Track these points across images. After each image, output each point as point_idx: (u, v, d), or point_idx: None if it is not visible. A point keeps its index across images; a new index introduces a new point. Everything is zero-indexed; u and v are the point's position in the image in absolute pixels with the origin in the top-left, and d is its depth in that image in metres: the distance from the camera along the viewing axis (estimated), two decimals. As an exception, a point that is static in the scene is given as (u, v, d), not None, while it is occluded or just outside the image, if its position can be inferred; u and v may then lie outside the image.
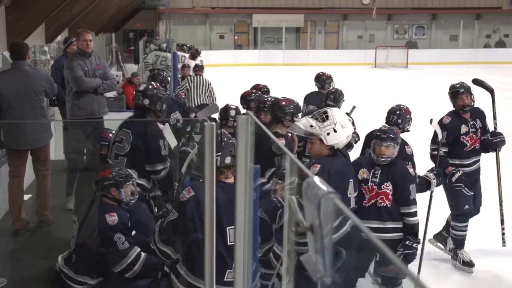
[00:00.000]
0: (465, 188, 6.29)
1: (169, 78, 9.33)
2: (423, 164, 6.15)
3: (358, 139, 6.52)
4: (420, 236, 5.21)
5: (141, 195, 5.21)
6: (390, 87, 23.24)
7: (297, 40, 40.25)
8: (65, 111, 7.64)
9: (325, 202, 1.51)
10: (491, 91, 6.62)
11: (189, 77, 11.39)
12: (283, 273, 2.28)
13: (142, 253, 4.56)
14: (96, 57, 7.45)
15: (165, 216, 4.07)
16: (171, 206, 4.99)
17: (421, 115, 7.86)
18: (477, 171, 6.43)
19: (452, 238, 6.56)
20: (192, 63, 13.71)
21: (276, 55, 34.13)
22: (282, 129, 5.43)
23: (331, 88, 7.63)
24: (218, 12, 39.23)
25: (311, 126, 4.36)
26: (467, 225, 6.45)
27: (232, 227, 2.22)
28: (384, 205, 4.94)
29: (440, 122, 6.29)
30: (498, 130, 6.45)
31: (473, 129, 6.32)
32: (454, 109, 6.40)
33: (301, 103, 5.74)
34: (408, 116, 5.81)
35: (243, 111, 6.56)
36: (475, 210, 6.54)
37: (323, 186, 1.53)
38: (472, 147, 6.33)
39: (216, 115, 6.34)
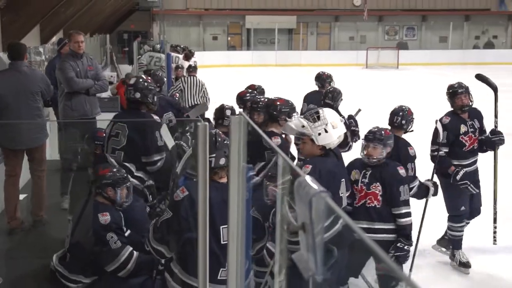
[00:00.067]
0: (471, 185, 6.27)
1: (164, 79, 9.36)
2: (420, 165, 6.14)
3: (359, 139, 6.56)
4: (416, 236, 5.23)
5: (139, 189, 5.25)
6: (381, 87, 23.31)
7: (289, 41, 40.22)
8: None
9: (316, 201, 1.53)
10: (494, 88, 6.57)
11: (182, 78, 11.38)
12: (275, 271, 2.30)
13: (135, 252, 4.56)
14: (88, 58, 7.44)
15: (159, 215, 4.10)
16: (165, 205, 5.03)
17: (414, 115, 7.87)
18: (476, 171, 6.42)
19: (449, 238, 6.55)
20: (186, 64, 13.69)
21: (269, 56, 34.17)
22: (277, 128, 5.46)
23: (329, 87, 7.68)
24: (212, 13, 39.20)
25: (303, 126, 4.38)
26: (463, 226, 6.44)
27: (226, 226, 2.25)
28: (373, 205, 4.94)
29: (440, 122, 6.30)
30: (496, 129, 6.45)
31: (472, 129, 6.32)
32: (452, 109, 6.38)
33: (296, 103, 5.77)
34: (410, 117, 5.84)
35: (239, 110, 6.56)
36: (476, 211, 6.55)
37: (314, 185, 1.55)
38: (471, 147, 6.32)
39: (211, 116, 6.36)
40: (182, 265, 3.82)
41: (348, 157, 5.56)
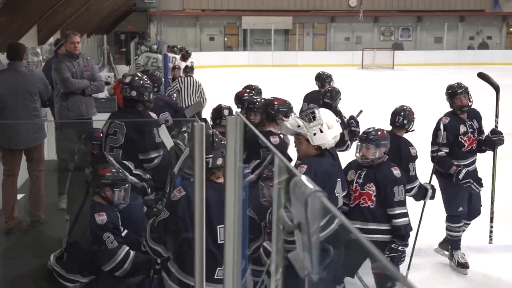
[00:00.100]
0: (474, 184, 6.25)
1: (162, 79, 9.37)
2: (418, 165, 6.15)
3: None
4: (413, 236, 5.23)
5: (138, 187, 5.27)
6: (377, 87, 23.35)
7: (285, 41, 40.27)
8: (55, 112, 7.65)
9: (312, 201, 1.54)
10: (496, 87, 6.54)
11: (179, 78, 11.37)
12: (272, 270, 2.31)
13: (131, 252, 4.57)
14: (84, 58, 7.44)
15: (156, 215, 4.12)
16: (162, 205, 5.05)
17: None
18: (475, 171, 6.40)
19: (447, 239, 6.54)
20: (183, 65, 13.70)
21: (265, 57, 34.18)
22: (275, 127, 5.47)
23: (328, 86, 7.71)
24: (208, 14, 39.23)
25: (298, 126, 4.38)
26: (461, 226, 6.42)
27: (222, 225, 2.27)
28: (366, 205, 4.95)
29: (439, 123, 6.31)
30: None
31: (471, 129, 6.31)
32: (451, 109, 6.37)
33: (292, 103, 5.80)
34: (412, 117, 5.86)
35: (237, 110, 6.58)
36: (476, 211, 6.53)
37: (310, 185, 1.55)
38: (470, 147, 6.31)
39: (208, 116, 6.38)
40: (179, 264, 3.83)
41: (347, 157, 5.58)
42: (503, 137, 6.37)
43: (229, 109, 6.12)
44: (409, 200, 5.50)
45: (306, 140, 4.39)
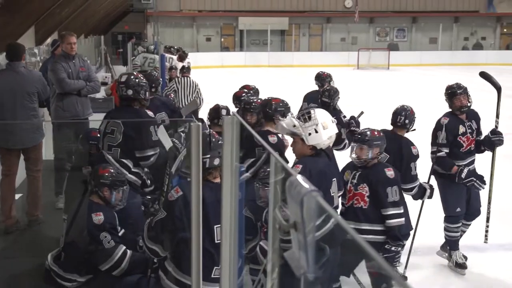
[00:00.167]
0: (477, 182, 6.20)
1: (160, 79, 9.39)
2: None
3: None
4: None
5: (137, 185, 5.29)
6: (373, 88, 23.41)
7: (282, 42, 40.31)
8: (51, 113, 7.65)
9: (307, 200, 1.54)
10: (498, 88, 6.49)
11: (176, 79, 11.37)
12: (268, 269, 2.33)
13: (128, 251, 4.57)
14: (80, 59, 7.44)
15: (154, 214, 4.14)
16: (159, 205, 5.07)
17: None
18: (474, 171, 6.36)
19: (445, 239, 6.51)
20: (180, 65, 13.71)
21: (261, 57, 34.26)
22: (273, 127, 5.49)
23: (326, 86, 7.72)
24: (205, 15, 39.20)
25: (294, 125, 4.39)
26: (459, 227, 6.39)
27: (219, 225, 2.29)
28: (360, 206, 4.96)
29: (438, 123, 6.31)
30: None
31: (470, 130, 6.29)
32: (450, 109, 6.35)
33: (290, 103, 5.82)
34: (413, 116, 5.88)
35: (235, 110, 6.58)
36: (476, 212, 6.51)
37: (305, 184, 1.57)
38: (468, 148, 6.29)
39: (205, 116, 6.39)
40: (176, 263, 3.85)
41: (345, 156, 5.60)
42: (502, 137, 6.35)
43: (227, 109, 6.13)
44: (409, 200, 5.53)
45: (301, 140, 4.39)
